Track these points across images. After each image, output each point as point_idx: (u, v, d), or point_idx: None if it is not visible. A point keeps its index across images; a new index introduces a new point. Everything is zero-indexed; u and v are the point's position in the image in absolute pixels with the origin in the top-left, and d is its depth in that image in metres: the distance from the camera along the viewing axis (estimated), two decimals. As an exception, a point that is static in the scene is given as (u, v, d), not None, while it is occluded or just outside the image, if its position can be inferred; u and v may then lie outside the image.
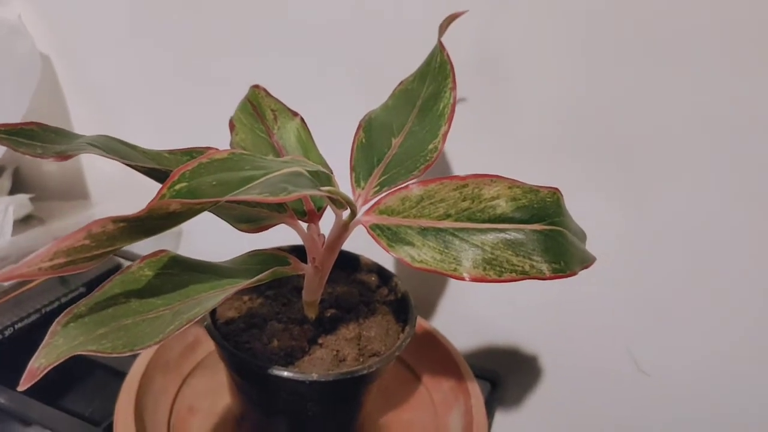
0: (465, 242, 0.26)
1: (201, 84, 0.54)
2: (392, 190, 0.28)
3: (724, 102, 0.37)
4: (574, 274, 0.25)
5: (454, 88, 0.33)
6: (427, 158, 0.31)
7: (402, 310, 0.38)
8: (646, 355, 0.46)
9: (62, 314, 0.23)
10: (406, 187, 0.27)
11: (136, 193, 0.61)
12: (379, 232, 0.27)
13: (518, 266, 0.25)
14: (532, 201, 0.26)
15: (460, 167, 0.47)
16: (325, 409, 0.35)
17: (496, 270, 0.25)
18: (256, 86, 0.34)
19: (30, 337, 0.48)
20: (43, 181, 0.68)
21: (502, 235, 0.26)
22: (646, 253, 0.43)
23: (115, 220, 0.20)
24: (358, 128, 0.33)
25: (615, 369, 0.48)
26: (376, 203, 0.27)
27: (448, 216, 0.26)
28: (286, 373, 0.30)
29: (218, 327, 0.35)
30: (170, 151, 0.28)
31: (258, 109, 0.34)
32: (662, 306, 0.44)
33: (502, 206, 0.26)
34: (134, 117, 0.60)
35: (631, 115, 0.40)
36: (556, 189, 0.26)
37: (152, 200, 0.21)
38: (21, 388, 0.22)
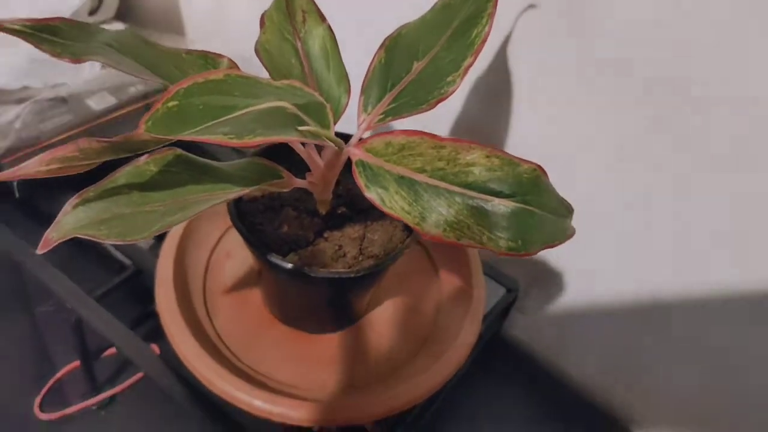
0: (433, 200, 0.26)
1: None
2: (381, 133, 0.28)
3: None
4: (531, 254, 0.26)
5: (493, 14, 0.31)
6: (442, 92, 0.31)
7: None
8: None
9: (75, 196, 0.27)
10: (392, 132, 0.27)
11: (231, 35, 0.63)
12: (361, 169, 0.28)
13: (476, 235, 0.26)
14: (507, 174, 0.26)
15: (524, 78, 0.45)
16: (319, 293, 0.40)
17: (455, 233, 0.26)
18: (293, -20, 0.34)
19: (111, 164, 0.55)
20: (146, 5, 0.72)
21: (468, 201, 0.26)
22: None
23: (100, 141, 0.23)
24: (381, 46, 0.32)
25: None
26: (362, 141, 0.28)
27: (423, 171, 0.27)
28: (277, 261, 0.34)
29: (241, 203, 0.39)
30: (188, 52, 0.30)
31: (290, 6, 0.33)
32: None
33: (475, 174, 0.26)
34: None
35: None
36: (538, 166, 0.26)
37: (137, 129, 0.23)
38: (39, 251, 0.27)
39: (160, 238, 0.45)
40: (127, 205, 0.28)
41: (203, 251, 0.48)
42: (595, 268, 0.49)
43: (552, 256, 0.52)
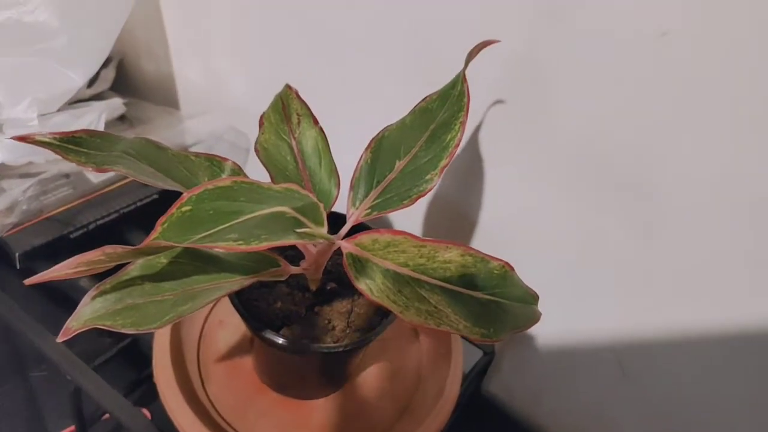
0: (415, 292, 0.30)
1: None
2: (369, 231, 0.32)
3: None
4: (501, 339, 0.29)
5: (464, 122, 0.35)
6: (422, 189, 0.35)
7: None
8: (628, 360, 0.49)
9: (93, 288, 0.30)
10: (379, 231, 0.31)
11: (224, 109, 0.67)
12: (351, 261, 0.31)
13: (453, 323, 0.29)
14: (480, 270, 0.29)
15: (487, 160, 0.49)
16: (308, 364, 0.43)
17: (435, 321, 0.29)
18: (289, 87, 0.38)
19: (109, 232, 0.58)
20: (141, 77, 0.76)
21: (446, 294, 0.29)
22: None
23: (124, 248, 0.26)
24: (367, 147, 0.36)
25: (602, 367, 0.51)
26: (352, 237, 0.32)
27: (407, 265, 0.30)
28: (272, 336, 0.37)
29: (237, 280, 0.42)
30: (196, 154, 0.34)
31: (286, 110, 0.37)
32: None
33: (452, 270, 0.29)
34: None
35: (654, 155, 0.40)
36: (506, 263, 0.29)
37: (150, 235, 0.26)
38: (59, 340, 0.30)
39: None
40: (140, 296, 0.31)
41: (197, 319, 0.51)
42: (563, 330, 0.53)
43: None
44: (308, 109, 0.37)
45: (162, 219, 0.27)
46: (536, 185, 0.47)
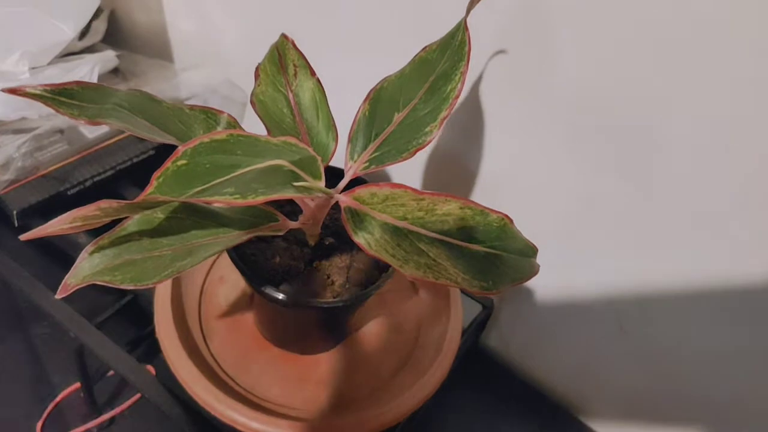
0: (414, 245, 0.30)
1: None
2: (368, 184, 0.32)
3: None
4: (500, 292, 0.29)
5: (465, 72, 0.34)
6: (420, 141, 0.34)
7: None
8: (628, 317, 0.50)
9: (91, 243, 0.30)
10: (378, 184, 0.31)
11: (218, 61, 0.66)
12: (349, 215, 0.31)
13: (452, 276, 0.29)
14: (479, 223, 0.29)
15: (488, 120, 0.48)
16: (309, 319, 0.43)
17: (434, 274, 0.29)
18: (285, 36, 0.37)
19: (105, 189, 0.57)
20: (133, 29, 0.74)
21: (445, 247, 0.29)
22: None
23: (119, 202, 0.26)
24: (366, 99, 0.35)
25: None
26: (351, 190, 0.31)
27: (405, 219, 0.30)
28: (271, 292, 0.37)
29: (235, 235, 0.42)
30: (191, 107, 0.33)
31: (283, 60, 0.36)
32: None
33: (450, 223, 0.29)
34: None
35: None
36: (506, 215, 0.29)
37: (145, 189, 0.26)
38: (58, 296, 0.30)
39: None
40: (138, 251, 0.31)
41: (198, 276, 0.51)
42: (562, 285, 0.53)
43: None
44: (305, 59, 0.36)
45: (157, 173, 0.27)
46: (536, 137, 0.46)
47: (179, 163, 0.27)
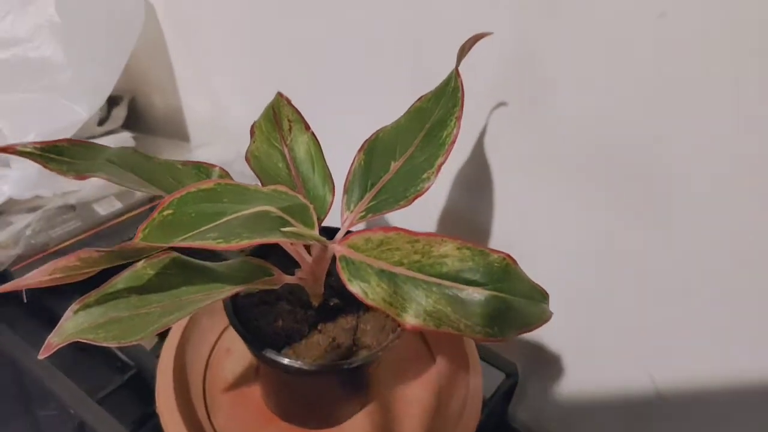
0: (412, 291, 0.28)
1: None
2: (361, 230, 0.30)
3: None
4: (507, 338, 0.27)
5: (460, 117, 0.34)
6: (419, 188, 0.33)
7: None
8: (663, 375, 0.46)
9: (76, 302, 0.29)
10: (371, 229, 0.29)
11: (231, 137, 0.67)
12: (344, 264, 0.29)
13: (454, 323, 0.27)
14: (478, 264, 0.27)
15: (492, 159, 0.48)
16: (316, 386, 0.40)
17: (435, 321, 0.27)
18: (280, 94, 0.37)
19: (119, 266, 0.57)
20: (151, 113, 0.77)
21: (444, 291, 0.27)
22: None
23: (98, 251, 0.25)
24: (360, 149, 0.35)
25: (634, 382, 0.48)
26: (344, 238, 0.30)
27: (401, 264, 0.28)
28: (273, 356, 0.35)
29: (237, 299, 0.40)
30: (183, 163, 0.33)
31: (277, 117, 0.36)
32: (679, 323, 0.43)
33: (449, 265, 0.27)
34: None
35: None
36: (507, 255, 0.27)
37: (134, 239, 0.25)
38: (41, 356, 0.28)
39: (162, 337, 0.47)
40: (126, 308, 0.29)
41: (204, 348, 0.49)
42: (594, 348, 0.49)
43: (548, 338, 0.53)
44: (299, 114, 0.36)
45: (143, 225, 0.26)
46: (541, 182, 0.45)
47: (165, 212, 0.27)
